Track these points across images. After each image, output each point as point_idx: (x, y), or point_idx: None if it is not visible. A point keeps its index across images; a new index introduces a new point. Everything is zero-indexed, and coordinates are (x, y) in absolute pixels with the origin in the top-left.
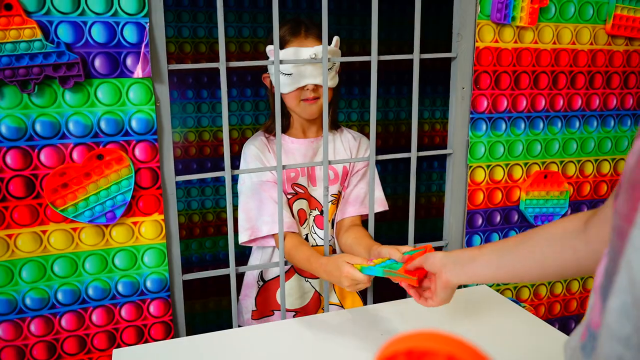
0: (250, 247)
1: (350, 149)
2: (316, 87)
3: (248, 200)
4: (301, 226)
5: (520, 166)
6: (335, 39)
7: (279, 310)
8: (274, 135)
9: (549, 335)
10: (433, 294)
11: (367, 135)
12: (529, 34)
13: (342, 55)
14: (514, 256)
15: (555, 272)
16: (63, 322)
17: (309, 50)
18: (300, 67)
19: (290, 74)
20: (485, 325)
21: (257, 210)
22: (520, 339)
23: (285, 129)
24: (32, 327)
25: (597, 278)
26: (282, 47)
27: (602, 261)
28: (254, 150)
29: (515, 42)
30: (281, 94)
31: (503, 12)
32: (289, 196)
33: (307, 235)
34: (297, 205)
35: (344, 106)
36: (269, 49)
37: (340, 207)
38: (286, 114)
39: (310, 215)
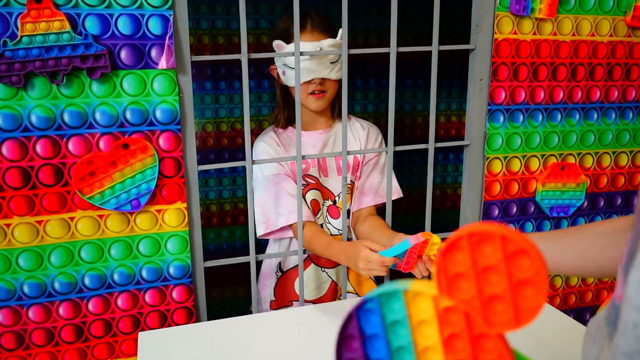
0: (267, 239)
1: (360, 138)
2: (322, 81)
3: (262, 194)
4: (315, 216)
5: (538, 158)
6: (341, 31)
7: (297, 301)
8: (282, 128)
9: (565, 325)
10: None
11: (383, 127)
12: (548, 26)
13: (358, 47)
14: (556, 244)
15: (594, 267)
16: (90, 306)
17: (314, 45)
18: (306, 61)
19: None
20: None
21: (272, 204)
22: (536, 328)
23: (293, 121)
24: (61, 310)
25: (622, 259)
26: (288, 41)
27: (626, 244)
28: (264, 147)
29: (534, 33)
30: (288, 86)
31: (522, 4)
32: (301, 187)
33: (321, 225)
34: (309, 196)
35: (360, 98)
36: (276, 43)
37: (356, 197)
38: (292, 106)
39: (323, 205)
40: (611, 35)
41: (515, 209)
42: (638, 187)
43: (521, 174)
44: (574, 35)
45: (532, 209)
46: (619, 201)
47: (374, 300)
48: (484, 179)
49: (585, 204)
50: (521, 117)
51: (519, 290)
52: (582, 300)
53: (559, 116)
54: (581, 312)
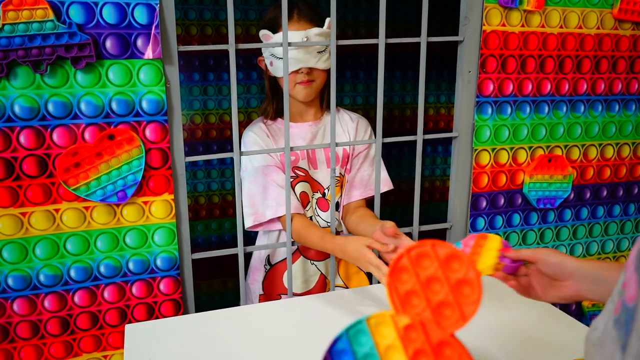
0: (256, 232)
1: (349, 130)
2: (310, 70)
3: (251, 186)
4: (304, 209)
5: (525, 150)
6: (328, 20)
7: (286, 295)
8: (271, 119)
9: (551, 315)
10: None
11: (372, 119)
12: (536, 18)
13: (348, 38)
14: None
15: None
16: (76, 299)
17: (300, 34)
18: (293, 51)
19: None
20: (490, 304)
21: (261, 195)
22: (522, 319)
23: (281, 113)
24: (46, 303)
25: (631, 257)
26: (274, 31)
27: (637, 243)
28: (253, 137)
29: (522, 25)
30: (276, 77)
31: None
32: (290, 179)
33: (310, 217)
34: (299, 188)
35: (349, 90)
36: (262, 33)
37: (346, 191)
38: (280, 98)
39: (312, 197)
40: (598, 28)
41: (502, 201)
42: (623, 179)
43: (509, 166)
44: (561, 27)
45: (520, 200)
46: (605, 193)
47: (343, 339)
48: (472, 170)
49: (572, 195)
50: (509, 109)
51: (459, 290)
52: None
53: (547, 108)
54: (568, 303)
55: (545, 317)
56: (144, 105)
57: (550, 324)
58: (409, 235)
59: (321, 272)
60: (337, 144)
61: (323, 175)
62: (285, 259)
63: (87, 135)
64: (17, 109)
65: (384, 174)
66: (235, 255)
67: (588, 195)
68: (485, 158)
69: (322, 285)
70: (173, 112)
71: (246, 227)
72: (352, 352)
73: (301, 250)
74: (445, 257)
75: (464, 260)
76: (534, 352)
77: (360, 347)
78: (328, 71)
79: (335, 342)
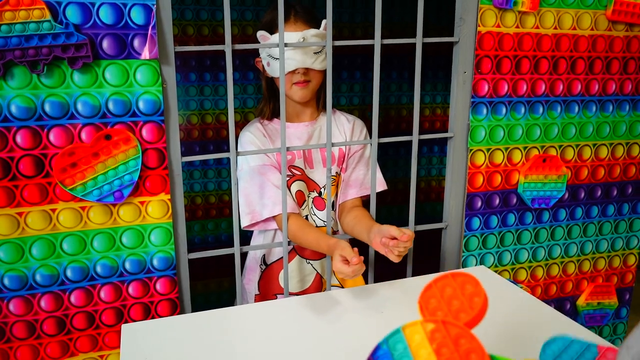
0: (252, 232)
1: (345, 131)
2: (307, 71)
3: (247, 185)
4: (300, 208)
5: (520, 150)
6: (324, 22)
7: (281, 294)
8: (268, 120)
9: (546, 314)
10: None
11: (368, 120)
12: (530, 19)
13: (344, 39)
14: None
15: None
16: (72, 299)
17: (297, 35)
18: (290, 51)
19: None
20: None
21: (257, 195)
22: (518, 318)
23: (278, 114)
24: (42, 303)
25: None
26: (271, 31)
27: None
28: (250, 137)
29: (517, 27)
30: (273, 78)
31: None
32: (287, 178)
33: (306, 216)
34: (295, 187)
35: (346, 90)
36: (260, 34)
37: (342, 190)
38: (277, 98)
39: (309, 197)
40: (592, 29)
41: (497, 201)
42: (617, 179)
43: (504, 166)
44: (555, 28)
45: (515, 200)
46: (599, 193)
47: (384, 348)
48: (467, 170)
49: (566, 195)
50: (504, 110)
51: (471, 300)
52: (562, 291)
53: (541, 109)
54: (562, 302)
55: (540, 317)
56: (141, 105)
57: (545, 323)
58: None
59: (317, 272)
60: (333, 144)
61: (319, 175)
62: (281, 258)
63: (83, 136)
64: (13, 109)
65: (379, 174)
66: (231, 255)
67: (582, 195)
68: (480, 158)
69: (318, 285)
70: (170, 112)
71: (242, 226)
72: (390, 354)
73: (297, 250)
74: (461, 282)
75: (474, 281)
76: (531, 350)
77: (397, 351)
78: (324, 72)
79: (376, 349)
